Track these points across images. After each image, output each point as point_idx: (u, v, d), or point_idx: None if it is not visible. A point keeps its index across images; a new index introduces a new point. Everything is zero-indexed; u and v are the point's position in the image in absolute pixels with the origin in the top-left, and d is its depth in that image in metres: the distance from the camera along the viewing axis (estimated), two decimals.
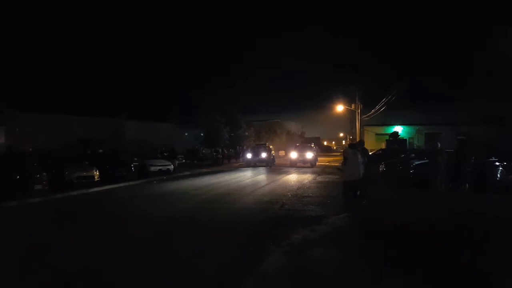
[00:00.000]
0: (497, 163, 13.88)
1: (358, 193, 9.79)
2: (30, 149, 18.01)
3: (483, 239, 6.61)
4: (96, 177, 15.26)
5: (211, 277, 4.85)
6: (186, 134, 37.20)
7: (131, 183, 16.62)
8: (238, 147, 39.00)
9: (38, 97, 24.09)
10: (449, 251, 5.91)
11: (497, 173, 13.57)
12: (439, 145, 12.67)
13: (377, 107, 31.01)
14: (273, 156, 33.00)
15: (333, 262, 5.43)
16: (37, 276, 5.00)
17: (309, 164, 27.69)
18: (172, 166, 21.63)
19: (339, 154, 39.07)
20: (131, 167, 18.52)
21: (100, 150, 21.17)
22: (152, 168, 20.09)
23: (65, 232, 7.48)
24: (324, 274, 4.93)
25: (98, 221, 8.77)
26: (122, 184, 15.99)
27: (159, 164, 20.94)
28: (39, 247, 6.40)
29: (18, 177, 12.10)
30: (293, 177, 19.40)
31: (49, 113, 24.61)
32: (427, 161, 14.44)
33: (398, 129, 39.69)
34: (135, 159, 19.80)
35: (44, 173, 12.66)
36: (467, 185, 12.27)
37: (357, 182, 9.60)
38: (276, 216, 8.73)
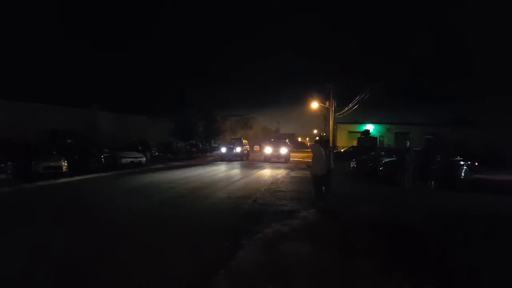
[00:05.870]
0: (461, 162, 14.61)
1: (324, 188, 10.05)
2: None
3: (445, 232, 6.92)
4: (64, 168, 14.84)
5: (183, 269, 4.83)
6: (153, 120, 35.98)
7: (101, 174, 16.25)
8: (213, 141, 38.83)
9: (6, 84, 22.91)
10: (414, 243, 6.14)
11: (461, 172, 14.29)
12: (408, 143, 13.11)
13: (350, 105, 31.57)
14: (248, 150, 33.08)
15: (304, 255, 5.52)
16: None
17: (283, 160, 27.95)
18: (144, 159, 21.30)
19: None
20: (101, 158, 18.09)
21: (69, 141, 20.50)
22: (124, 160, 19.71)
23: (24, 225, 7.23)
24: (295, 266, 5.01)
25: (61, 212, 8.53)
26: (91, 176, 15.59)
27: (131, 156, 20.54)
28: None
29: None
30: (266, 172, 19.52)
31: (18, 101, 23.41)
32: (395, 158, 14.95)
33: (370, 127, 40.62)
34: (106, 150, 19.34)
35: (9, 163, 12.20)
36: (432, 182, 12.84)
37: (324, 177, 9.88)
38: (249, 211, 8.76)
